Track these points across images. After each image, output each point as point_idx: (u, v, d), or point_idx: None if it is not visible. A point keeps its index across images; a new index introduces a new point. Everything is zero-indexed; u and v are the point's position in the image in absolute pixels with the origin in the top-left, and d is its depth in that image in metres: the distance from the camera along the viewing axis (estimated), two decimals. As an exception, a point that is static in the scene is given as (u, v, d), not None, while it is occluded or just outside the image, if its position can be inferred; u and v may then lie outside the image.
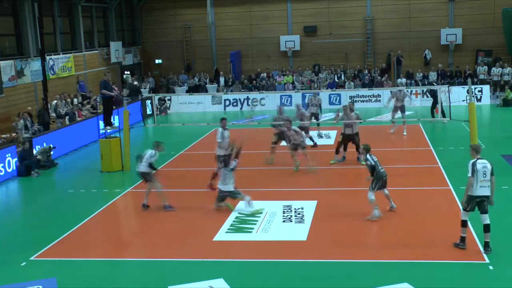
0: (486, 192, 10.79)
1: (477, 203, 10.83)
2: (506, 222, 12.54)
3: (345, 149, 18.29)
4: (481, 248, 10.90)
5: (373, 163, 12.83)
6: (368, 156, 12.99)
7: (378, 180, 12.84)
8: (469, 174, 10.75)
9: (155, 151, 14.52)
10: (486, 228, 10.81)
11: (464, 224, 10.95)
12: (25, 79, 25.25)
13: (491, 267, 10.15)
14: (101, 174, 18.45)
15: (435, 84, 31.79)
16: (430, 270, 10.16)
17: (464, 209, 10.97)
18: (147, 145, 19.40)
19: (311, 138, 20.43)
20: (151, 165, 14.41)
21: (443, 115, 23.85)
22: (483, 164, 10.85)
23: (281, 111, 19.28)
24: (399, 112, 22.49)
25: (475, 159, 10.93)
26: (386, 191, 13.24)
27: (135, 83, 34.09)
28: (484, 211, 10.85)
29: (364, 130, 21.87)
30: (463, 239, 10.99)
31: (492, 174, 10.90)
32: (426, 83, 32.38)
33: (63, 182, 18.49)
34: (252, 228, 12.66)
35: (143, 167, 14.44)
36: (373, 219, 12.77)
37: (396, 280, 9.77)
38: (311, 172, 17.06)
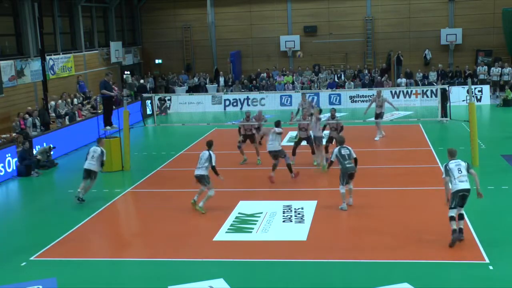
0: (466, 186, 11.31)
1: (460, 198, 11.31)
2: (506, 222, 12.54)
3: (327, 151, 18.27)
4: (456, 234, 11.17)
5: (332, 159, 13.68)
6: (335, 149, 13.66)
7: (343, 174, 13.48)
8: (443, 176, 11.54)
9: (101, 148, 15.35)
10: (461, 216, 11.37)
11: (451, 219, 11.33)
12: (25, 79, 25.24)
13: (491, 267, 10.15)
14: (101, 174, 18.40)
15: (435, 84, 31.80)
16: (430, 270, 10.15)
17: (450, 208, 11.37)
18: (147, 145, 19.54)
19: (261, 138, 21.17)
20: (102, 163, 15.41)
21: (445, 115, 23.81)
22: (455, 163, 11.56)
23: (248, 117, 19.39)
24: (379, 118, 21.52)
25: (448, 161, 11.62)
26: (350, 186, 13.66)
27: (141, 81, 34.36)
28: (461, 205, 11.40)
29: (364, 130, 21.90)
30: (454, 231, 11.28)
31: (470, 168, 11.52)
32: (426, 83, 32.38)
33: (63, 182, 18.49)
34: (252, 228, 12.66)
35: (95, 166, 15.19)
36: (344, 209, 13.50)
37: (396, 280, 9.77)
38: (317, 168, 17.13)
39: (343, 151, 13.51)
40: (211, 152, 14.03)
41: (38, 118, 22.93)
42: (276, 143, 16.24)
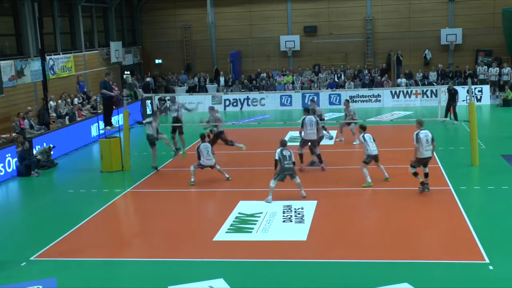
0: (429, 154, 14.37)
1: (423, 164, 14.39)
2: (506, 222, 12.54)
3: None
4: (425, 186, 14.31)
5: (276, 158, 14.45)
6: (278, 150, 14.53)
7: (281, 172, 14.39)
8: (415, 142, 14.16)
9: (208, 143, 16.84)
10: (427, 175, 14.48)
11: (416, 175, 14.46)
12: (25, 79, 25.23)
13: (491, 267, 10.15)
14: (101, 174, 18.45)
15: (435, 84, 31.82)
16: (430, 270, 10.16)
17: (413, 167, 14.40)
18: (147, 145, 19.49)
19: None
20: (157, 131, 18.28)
21: (455, 117, 23.93)
22: (425, 133, 14.24)
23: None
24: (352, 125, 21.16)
25: (418, 130, 14.25)
26: (297, 180, 14.63)
27: (147, 79, 34.82)
28: (425, 166, 14.52)
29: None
30: (422, 183, 14.47)
31: (433, 140, 14.33)
32: (426, 83, 32.39)
33: (63, 182, 18.49)
34: (252, 228, 12.66)
35: (213, 161, 16.59)
36: (268, 202, 14.27)
37: (396, 280, 9.77)
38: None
39: (284, 152, 14.46)
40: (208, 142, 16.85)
41: (33, 119, 22.84)
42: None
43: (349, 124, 21.12)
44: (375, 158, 15.67)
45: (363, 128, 16.11)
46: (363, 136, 15.74)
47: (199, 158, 16.39)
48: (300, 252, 11.27)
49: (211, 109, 20.38)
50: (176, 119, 20.50)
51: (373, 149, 15.59)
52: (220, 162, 17.72)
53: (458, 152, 19.34)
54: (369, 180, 15.46)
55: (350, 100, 22.83)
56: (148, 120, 18.71)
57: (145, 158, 20.18)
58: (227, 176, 16.67)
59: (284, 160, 14.37)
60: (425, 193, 14.64)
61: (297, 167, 17.10)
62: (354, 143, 21.11)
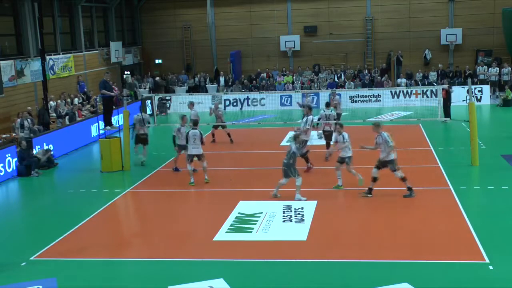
0: None
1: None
2: (506, 222, 12.54)
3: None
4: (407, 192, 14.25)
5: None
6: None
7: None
8: (392, 144, 14.00)
9: (199, 130, 16.24)
10: (403, 179, 14.21)
11: (405, 179, 14.22)
12: (25, 79, 25.23)
13: (491, 267, 10.15)
14: (101, 174, 18.45)
15: (435, 84, 31.82)
16: (430, 270, 10.16)
17: (398, 169, 14.18)
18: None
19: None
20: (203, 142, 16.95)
21: (449, 116, 23.94)
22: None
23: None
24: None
25: (384, 132, 14.07)
26: (298, 181, 14.41)
27: (157, 78, 35.51)
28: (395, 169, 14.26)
29: (364, 130, 21.84)
30: (410, 188, 14.23)
31: None
32: (426, 83, 32.40)
33: (63, 182, 18.49)
34: (252, 228, 12.66)
35: (199, 149, 16.13)
36: (274, 195, 14.62)
37: (396, 280, 9.77)
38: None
39: (288, 148, 14.43)
40: (200, 130, 16.06)
41: (29, 120, 22.77)
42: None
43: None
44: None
45: (341, 126, 15.69)
46: (345, 135, 15.38)
47: (186, 142, 16.35)
48: (300, 252, 11.27)
49: (190, 104, 20.58)
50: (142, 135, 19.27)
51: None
52: (220, 162, 17.75)
53: (458, 152, 19.34)
54: (361, 177, 15.28)
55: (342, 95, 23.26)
56: (177, 127, 17.38)
57: (145, 158, 20.19)
58: (206, 177, 16.47)
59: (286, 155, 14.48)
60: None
61: (303, 167, 17.11)
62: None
